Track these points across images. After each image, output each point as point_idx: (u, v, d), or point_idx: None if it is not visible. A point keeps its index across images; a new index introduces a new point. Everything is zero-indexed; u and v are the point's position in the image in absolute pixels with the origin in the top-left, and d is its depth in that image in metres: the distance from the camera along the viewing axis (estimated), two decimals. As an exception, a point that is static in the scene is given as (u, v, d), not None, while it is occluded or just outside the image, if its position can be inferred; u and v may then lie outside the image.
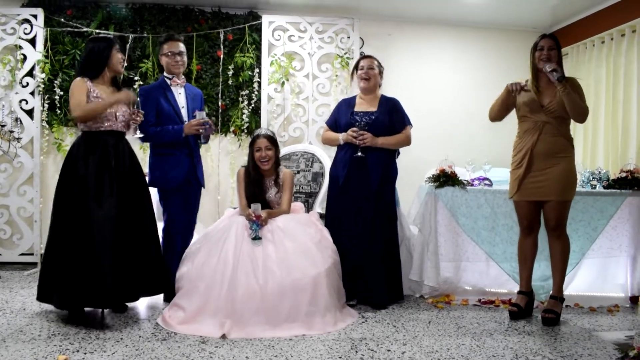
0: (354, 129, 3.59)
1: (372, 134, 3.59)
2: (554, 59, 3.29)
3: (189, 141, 3.67)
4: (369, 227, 3.62)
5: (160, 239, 3.56)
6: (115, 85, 3.38)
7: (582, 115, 3.29)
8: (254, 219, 3.28)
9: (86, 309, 3.20)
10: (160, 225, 3.67)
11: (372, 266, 3.60)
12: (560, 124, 3.32)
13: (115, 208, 3.12)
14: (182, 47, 3.71)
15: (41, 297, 3.22)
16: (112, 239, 3.06)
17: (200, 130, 3.61)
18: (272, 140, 3.61)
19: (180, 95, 3.72)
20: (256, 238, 3.25)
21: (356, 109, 3.75)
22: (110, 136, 3.26)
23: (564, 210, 3.34)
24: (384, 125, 3.67)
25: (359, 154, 3.57)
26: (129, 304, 3.43)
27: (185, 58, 3.74)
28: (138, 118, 3.34)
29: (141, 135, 3.45)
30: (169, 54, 3.66)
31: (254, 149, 3.61)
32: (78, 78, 3.25)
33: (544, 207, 3.37)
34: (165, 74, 3.73)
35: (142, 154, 4.67)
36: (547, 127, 3.31)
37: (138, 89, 4.02)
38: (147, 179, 3.62)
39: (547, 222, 3.38)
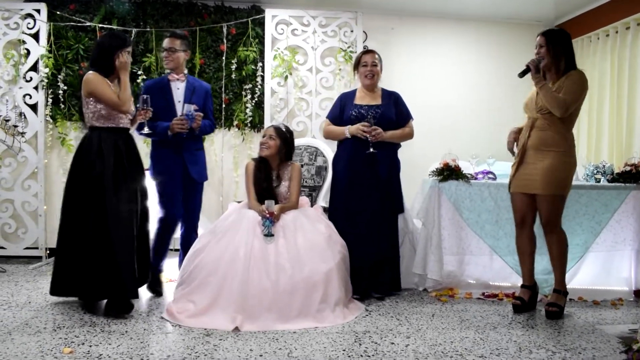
0: (365, 123, 3.58)
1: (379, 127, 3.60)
2: (545, 56, 3.30)
3: (179, 140, 3.66)
4: (378, 221, 3.63)
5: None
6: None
7: (555, 108, 3.22)
8: (268, 215, 3.28)
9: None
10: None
11: (381, 259, 3.62)
12: (551, 118, 3.29)
13: (134, 203, 3.22)
14: (173, 43, 3.71)
15: (56, 291, 3.28)
16: (132, 232, 3.18)
17: (183, 127, 3.59)
18: (279, 131, 3.64)
19: (178, 90, 3.74)
20: (268, 235, 3.25)
21: (360, 102, 3.74)
22: (122, 133, 3.29)
23: (554, 205, 3.31)
24: (389, 119, 3.68)
25: (371, 150, 3.56)
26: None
27: (176, 54, 3.71)
28: (147, 115, 3.36)
29: (149, 132, 3.49)
30: (163, 50, 3.74)
31: (262, 136, 3.67)
32: (92, 72, 3.21)
33: (536, 201, 3.37)
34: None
35: (147, 147, 4.67)
36: (538, 122, 3.35)
37: (142, 84, 4.04)
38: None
39: (540, 217, 3.39)
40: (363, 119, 3.61)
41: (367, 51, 3.85)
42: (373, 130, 3.54)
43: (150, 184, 3.62)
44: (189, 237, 3.82)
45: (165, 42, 3.73)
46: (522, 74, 3.30)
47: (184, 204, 3.81)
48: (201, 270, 3.19)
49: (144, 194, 3.42)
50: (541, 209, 3.34)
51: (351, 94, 3.86)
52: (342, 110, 3.80)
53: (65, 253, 3.22)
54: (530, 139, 3.36)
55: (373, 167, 3.64)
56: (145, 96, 3.37)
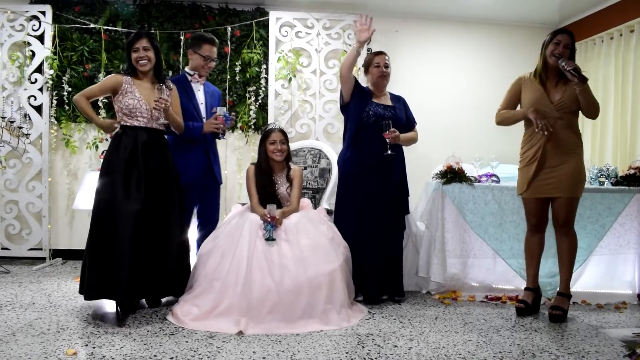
0: (390, 126, 3.52)
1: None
2: (565, 55, 3.22)
3: (206, 138, 3.71)
4: (389, 223, 3.64)
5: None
6: (157, 80, 3.34)
7: (597, 112, 3.29)
8: (269, 220, 3.29)
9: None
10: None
11: (391, 261, 3.64)
12: (572, 119, 3.29)
13: (140, 204, 3.11)
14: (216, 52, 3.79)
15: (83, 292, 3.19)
16: (132, 234, 3.04)
17: (220, 126, 3.62)
18: (285, 135, 3.66)
19: (199, 92, 3.76)
20: (270, 239, 3.25)
21: (375, 100, 3.73)
22: (144, 132, 3.25)
23: (573, 207, 3.32)
24: (401, 122, 3.68)
25: (389, 152, 3.54)
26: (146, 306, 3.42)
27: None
28: (161, 104, 3.25)
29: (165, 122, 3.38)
30: (208, 58, 3.71)
31: (268, 141, 3.61)
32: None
33: (553, 203, 3.36)
34: (187, 69, 3.76)
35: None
36: (560, 123, 3.27)
37: None
38: None
39: (556, 219, 3.36)
40: (382, 118, 3.58)
41: (378, 52, 3.81)
42: (392, 133, 3.53)
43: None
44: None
45: (214, 52, 3.74)
46: (584, 79, 3.12)
47: (207, 207, 3.81)
48: (205, 275, 3.20)
49: (170, 198, 3.30)
50: (561, 210, 3.31)
51: (369, 90, 3.77)
52: (360, 94, 3.70)
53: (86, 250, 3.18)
54: (551, 141, 3.28)
55: (387, 169, 3.63)
56: (158, 85, 3.27)
